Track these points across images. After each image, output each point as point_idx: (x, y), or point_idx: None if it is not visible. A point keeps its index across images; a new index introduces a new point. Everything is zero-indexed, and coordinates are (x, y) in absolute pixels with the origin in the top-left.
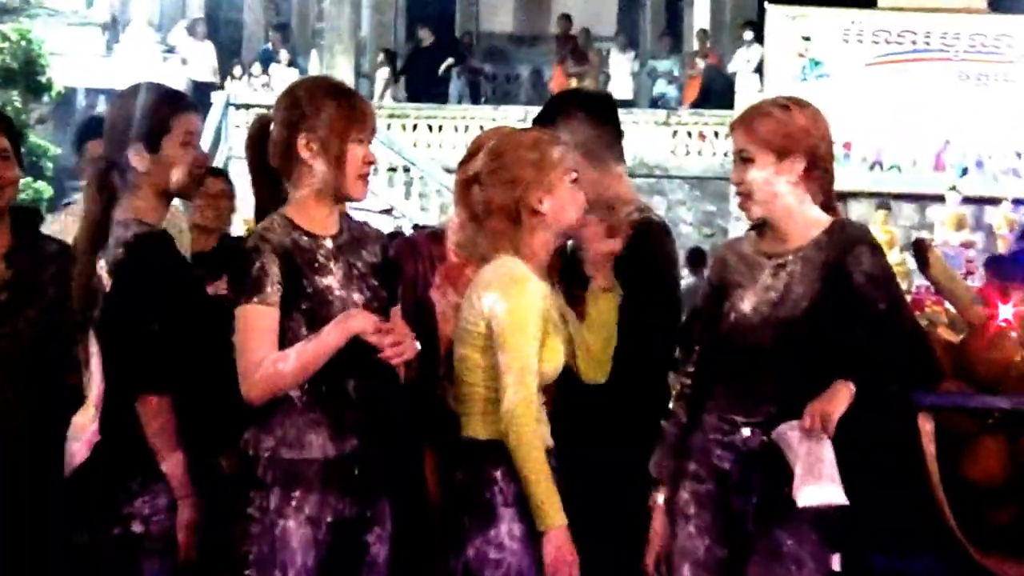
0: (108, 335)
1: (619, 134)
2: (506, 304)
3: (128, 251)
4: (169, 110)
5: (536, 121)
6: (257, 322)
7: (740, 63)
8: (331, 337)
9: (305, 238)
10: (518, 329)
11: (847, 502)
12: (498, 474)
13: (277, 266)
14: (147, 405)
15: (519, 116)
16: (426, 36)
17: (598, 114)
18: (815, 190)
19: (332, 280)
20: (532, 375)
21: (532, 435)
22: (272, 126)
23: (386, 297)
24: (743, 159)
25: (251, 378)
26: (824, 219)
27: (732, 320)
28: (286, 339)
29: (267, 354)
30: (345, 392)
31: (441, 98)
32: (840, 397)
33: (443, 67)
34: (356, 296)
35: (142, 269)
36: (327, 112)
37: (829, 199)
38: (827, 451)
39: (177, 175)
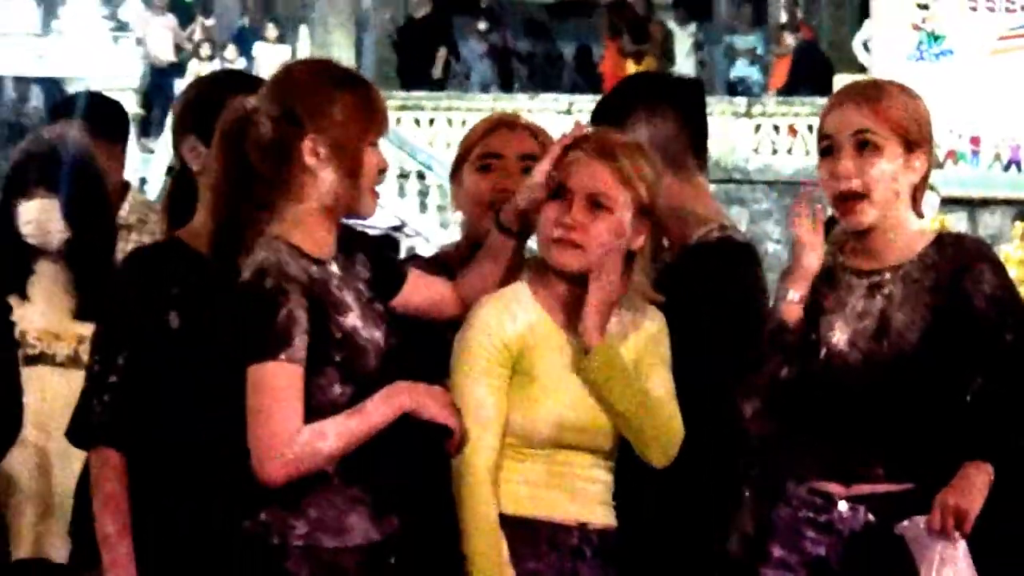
0: None
1: (703, 134)
2: (458, 333)
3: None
4: (229, 89)
5: (600, 108)
6: (284, 384)
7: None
8: (378, 415)
9: (315, 267)
10: (458, 362)
11: None
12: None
13: (305, 310)
14: (91, 461)
15: (562, 106)
16: (422, 2)
17: (682, 107)
18: (918, 196)
19: (355, 318)
20: (480, 420)
21: (473, 498)
22: (259, 120)
23: (388, 319)
24: (863, 144)
25: (279, 455)
26: (927, 230)
27: (824, 358)
28: (314, 400)
29: (297, 425)
30: (386, 457)
31: (437, 87)
32: (978, 488)
33: (439, 62)
34: (377, 334)
35: (111, 295)
36: (341, 108)
37: (919, 208)
38: (960, 554)
39: None
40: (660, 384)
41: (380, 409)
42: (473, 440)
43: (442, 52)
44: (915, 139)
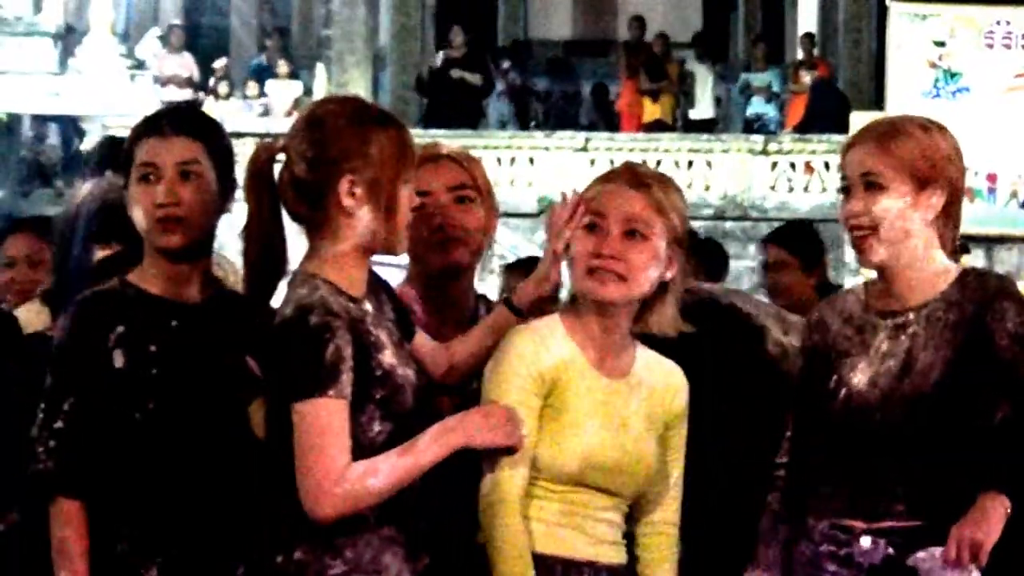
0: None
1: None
2: (489, 362)
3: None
4: (134, 133)
5: None
6: (333, 421)
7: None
8: (430, 453)
9: (352, 305)
10: (492, 390)
11: None
12: None
13: (352, 346)
14: (52, 512)
15: (578, 144)
16: (457, 42)
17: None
18: (944, 234)
19: (390, 356)
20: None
21: (506, 528)
22: (289, 160)
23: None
24: (870, 185)
25: (330, 492)
26: (952, 268)
27: (843, 398)
28: (354, 438)
29: (347, 461)
30: (419, 496)
31: (471, 125)
32: (993, 520)
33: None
34: (411, 372)
35: (57, 342)
36: (377, 147)
37: (954, 247)
38: None
39: (137, 219)
40: (677, 478)
41: (432, 448)
42: (507, 469)
43: (473, 78)
44: (927, 176)
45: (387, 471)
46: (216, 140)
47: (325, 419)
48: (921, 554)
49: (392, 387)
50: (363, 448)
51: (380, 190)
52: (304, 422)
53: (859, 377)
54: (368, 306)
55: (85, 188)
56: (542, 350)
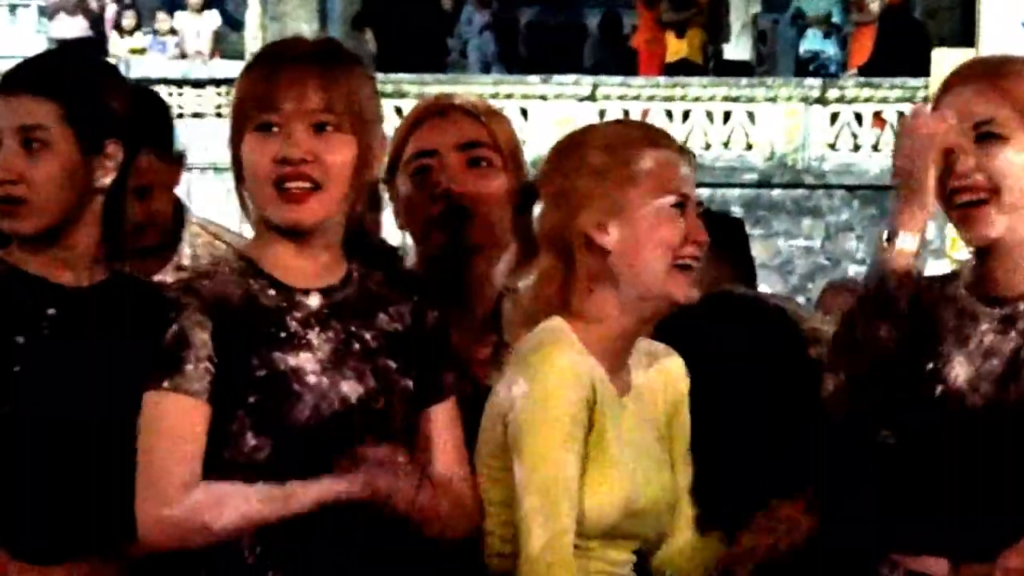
0: None
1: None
2: (526, 387)
3: None
4: None
5: None
6: (170, 420)
7: None
8: (307, 498)
9: (272, 291)
10: (536, 421)
11: None
12: None
13: (208, 332)
14: None
15: (583, 90)
16: None
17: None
18: None
19: (308, 359)
20: (564, 500)
21: None
22: None
23: (409, 391)
24: (984, 136)
25: (154, 514)
26: None
27: (939, 394)
28: (228, 453)
29: (185, 475)
30: (324, 543)
31: (437, 67)
32: None
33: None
34: (348, 387)
35: None
36: (234, 94)
37: None
38: None
39: None
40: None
41: (307, 494)
42: (563, 522)
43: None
44: None
45: (237, 511)
46: (80, 98)
47: (158, 417)
48: None
49: (275, 394)
50: (242, 467)
51: (231, 145)
52: (143, 418)
53: (957, 374)
54: (312, 300)
55: None
56: (583, 367)
